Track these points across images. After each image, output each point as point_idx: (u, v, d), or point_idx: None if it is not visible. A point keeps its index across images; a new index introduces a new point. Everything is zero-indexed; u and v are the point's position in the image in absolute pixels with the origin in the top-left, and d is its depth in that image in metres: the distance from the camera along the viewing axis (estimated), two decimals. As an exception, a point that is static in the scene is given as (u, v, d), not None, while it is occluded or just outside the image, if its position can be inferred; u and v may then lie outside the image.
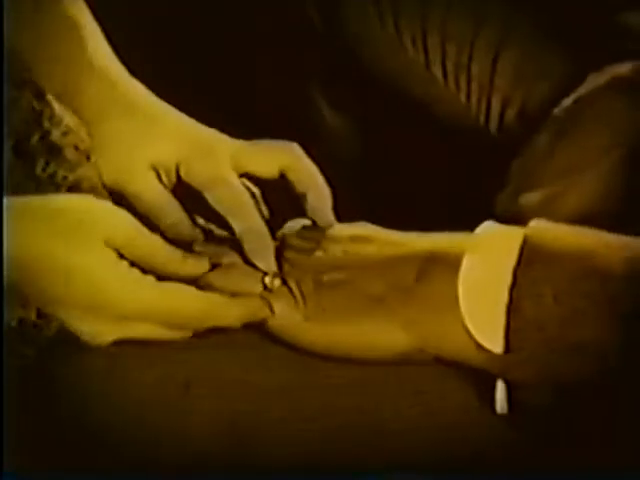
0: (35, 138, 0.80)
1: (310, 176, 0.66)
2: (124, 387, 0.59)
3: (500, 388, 0.57)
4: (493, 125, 0.85)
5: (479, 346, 0.56)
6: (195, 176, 0.66)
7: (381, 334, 0.59)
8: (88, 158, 0.81)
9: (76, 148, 0.81)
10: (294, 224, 0.67)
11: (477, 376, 0.58)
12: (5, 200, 0.58)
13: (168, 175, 0.67)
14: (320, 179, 0.66)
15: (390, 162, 0.94)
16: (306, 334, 0.60)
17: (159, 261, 0.61)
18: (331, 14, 0.89)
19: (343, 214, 0.67)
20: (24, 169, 0.75)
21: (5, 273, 0.57)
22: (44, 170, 0.78)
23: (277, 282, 0.61)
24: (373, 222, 0.65)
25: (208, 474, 0.58)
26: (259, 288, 0.61)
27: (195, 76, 0.99)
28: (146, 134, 0.67)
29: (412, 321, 0.58)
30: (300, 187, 0.66)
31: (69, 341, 0.60)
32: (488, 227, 0.60)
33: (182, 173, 0.66)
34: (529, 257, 0.56)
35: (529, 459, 0.57)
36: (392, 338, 0.59)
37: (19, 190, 0.64)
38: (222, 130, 0.71)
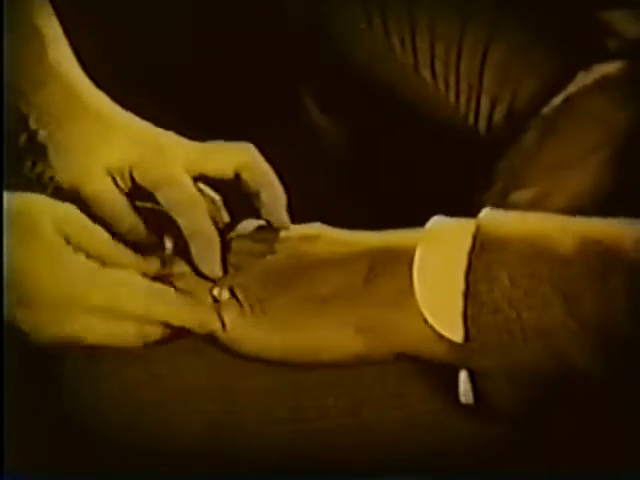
0: (22, 139, 0.80)
1: (264, 175, 0.66)
2: (120, 389, 0.59)
3: (463, 377, 0.57)
4: (482, 124, 0.85)
5: (440, 336, 0.56)
6: (147, 178, 0.66)
7: (333, 337, 0.58)
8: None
9: (63, 149, 0.81)
10: (247, 225, 0.66)
11: (451, 372, 0.58)
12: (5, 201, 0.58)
13: (123, 179, 0.67)
14: (274, 178, 0.66)
15: (379, 162, 0.94)
16: (255, 342, 0.59)
17: (110, 255, 0.60)
18: (318, 14, 0.89)
19: (330, 214, 0.66)
20: (11, 169, 0.75)
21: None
22: (31, 170, 0.78)
23: (226, 294, 0.60)
24: (359, 222, 0.64)
25: (188, 475, 0.58)
26: (209, 299, 0.60)
27: (181, 78, 0.99)
28: (102, 138, 0.67)
29: (366, 321, 0.57)
30: (254, 186, 0.65)
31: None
32: (438, 220, 0.60)
33: (136, 176, 0.66)
34: (483, 242, 0.56)
35: (507, 454, 0.57)
36: (344, 340, 0.58)
37: (8, 190, 0.64)
38: (207, 131, 0.71)
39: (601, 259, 0.54)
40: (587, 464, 0.56)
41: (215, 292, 0.60)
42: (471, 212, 0.65)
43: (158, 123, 0.69)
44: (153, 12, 1.00)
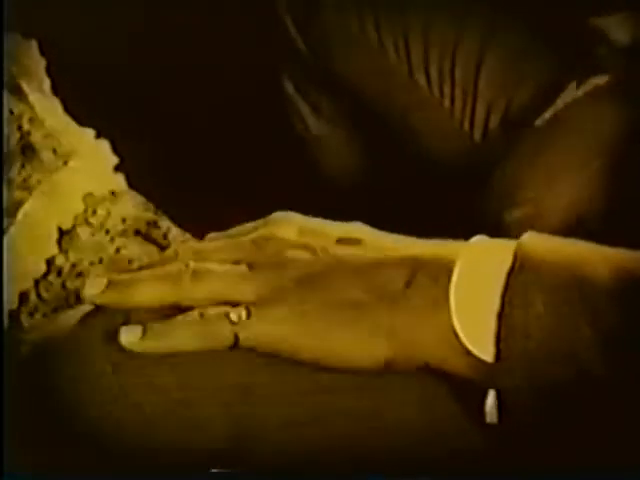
0: (14, 139, 0.80)
1: None
2: (125, 389, 0.57)
3: (491, 397, 0.56)
4: (478, 131, 0.84)
5: (469, 353, 0.55)
6: None
7: (364, 343, 0.57)
8: (66, 163, 0.80)
9: (54, 152, 0.81)
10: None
11: (471, 385, 0.57)
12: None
13: None
14: None
15: (374, 169, 0.94)
16: (288, 345, 0.58)
17: None
18: (311, 19, 0.89)
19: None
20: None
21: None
22: (19, 173, 0.78)
23: (244, 314, 0.58)
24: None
25: (208, 478, 0.57)
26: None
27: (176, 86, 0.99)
28: None
29: (397, 329, 0.56)
30: None
31: (69, 340, 0.59)
32: (480, 239, 0.59)
33: None
34: (522, 265, 0.55)
35: (528, 464, 0.56)
36: (374, 346, 0.57)
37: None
38: (211, 140, 0.71)
39: (635, 293, 0.53)
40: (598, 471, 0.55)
41: (232, 316, 0.58)
42: (468, 220, 0.66)
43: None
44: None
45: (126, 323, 0.58)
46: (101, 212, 0.76)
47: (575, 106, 0.75)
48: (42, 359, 0.59)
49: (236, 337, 0.57)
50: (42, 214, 0.76)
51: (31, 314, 0.74)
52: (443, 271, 0.56)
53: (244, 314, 0.58)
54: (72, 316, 0.60)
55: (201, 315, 0.57)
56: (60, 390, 0.58)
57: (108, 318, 0.58)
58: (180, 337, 0.57)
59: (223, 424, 0.57)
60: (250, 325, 0.57)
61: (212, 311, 0.57)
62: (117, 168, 0.83)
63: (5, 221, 0.75)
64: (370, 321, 0.57)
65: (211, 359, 0.58)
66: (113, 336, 0.58)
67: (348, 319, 0.57)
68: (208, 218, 0.78)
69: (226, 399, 0.57)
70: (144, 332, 0.58)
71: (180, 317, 0.57)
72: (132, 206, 0.78)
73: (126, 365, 0.57)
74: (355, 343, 0.57)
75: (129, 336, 0.58)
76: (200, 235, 0.76)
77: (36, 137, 0.81)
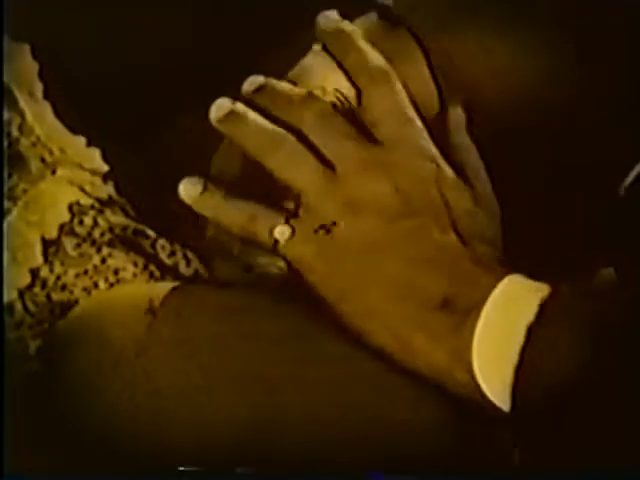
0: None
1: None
2: (128, 386, 0.58)
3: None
4: None
5: (484, 397, 0.56)
6: None
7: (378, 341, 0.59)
8: (54, 172, 0.79)
9: (42, 160, 0.79)
10: None
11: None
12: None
13: None
14: None
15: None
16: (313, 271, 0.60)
17: None
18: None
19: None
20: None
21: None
22: (5, 182, 0.77)
23: (287, 232, 0.60)
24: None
25: (225, 470, 0.57)
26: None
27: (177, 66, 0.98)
28: None
29: (415, 346, 0.58)
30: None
31: (70, 340, 0.59)
32: (512, 279, 0.58)
33: None
34: (547, 316, 0.55)
35: (534, 461, 0.57)
36: (389, 338, 0.59)
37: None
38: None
39: None
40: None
41: (277, 232, 0.61)
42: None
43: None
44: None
45: (151, 309, 0.60)
46: (88, 221, 0.75)
47: None
48: (49, 354, 0.60)
49: (275, 242, 0.60)
50: (26, 224, 0.75)
51: (17, 326, 0.73)
52: (474, 307, 0.57)
53: (287, 232, 0.60)
54: (92, 302, 0.62)
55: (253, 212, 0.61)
56: (71, 384, 0.59)
57: (130, 304, 0.60)
58: (229, 213, 0.62)
59: (243, 411, 0.57)
60: (289, 244, 0.60)
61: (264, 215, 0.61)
62: (107, 176, 0.81)
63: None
64: (392, 331, 0.58)
65: (233, 347, 0.59)
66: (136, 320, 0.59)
67: (373, 326, 0.59)
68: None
69: (247, 390, 0.58)
70: (205, 188, 0.64)
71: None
72: (120, 215, 0.76)
73: (148, 350, 0.58)
74: (373, 339, 0.59)
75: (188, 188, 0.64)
76: (188, 242, 0.75)
77: (25, 145, 0.80)
